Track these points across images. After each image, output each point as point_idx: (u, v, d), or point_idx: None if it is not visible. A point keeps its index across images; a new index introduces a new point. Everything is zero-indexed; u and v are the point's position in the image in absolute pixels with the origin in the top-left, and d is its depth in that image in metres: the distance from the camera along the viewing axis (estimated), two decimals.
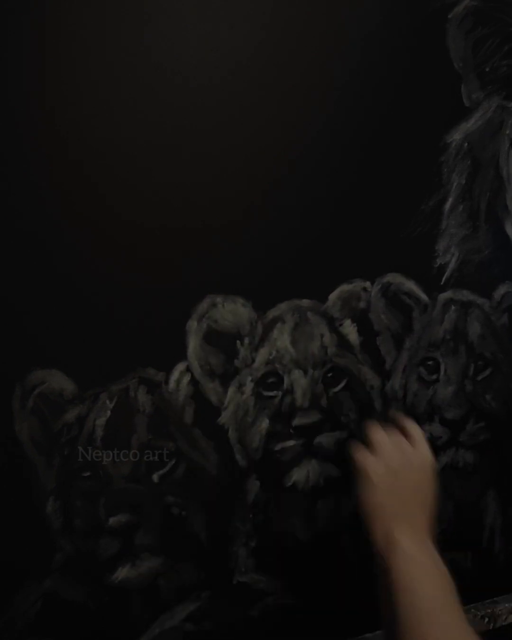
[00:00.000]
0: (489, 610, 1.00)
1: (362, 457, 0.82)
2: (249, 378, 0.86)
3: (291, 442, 0.87)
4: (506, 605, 1.01)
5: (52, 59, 0.74)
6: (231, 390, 0.85)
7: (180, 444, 0.83)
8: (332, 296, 0.89)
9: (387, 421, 0.88)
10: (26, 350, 0.76)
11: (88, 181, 0.77)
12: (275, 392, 0.87)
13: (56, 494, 0.78)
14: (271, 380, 0.87)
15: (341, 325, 0.90)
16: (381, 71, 0.88)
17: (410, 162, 0.92)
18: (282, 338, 0.87)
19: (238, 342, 0.85)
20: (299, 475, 0.88)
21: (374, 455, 0.81)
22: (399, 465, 0.80)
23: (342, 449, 0.89)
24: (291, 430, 0.87)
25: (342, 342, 0.90)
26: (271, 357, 0.87)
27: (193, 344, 0.83)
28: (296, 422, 0.87)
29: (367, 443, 0.84)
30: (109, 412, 0.80)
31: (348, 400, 0.90)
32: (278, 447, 0.87)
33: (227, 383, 0.85)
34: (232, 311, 0.84)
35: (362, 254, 0.91)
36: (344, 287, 0.90)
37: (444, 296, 0.96)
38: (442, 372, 0.96)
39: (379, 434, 0.84)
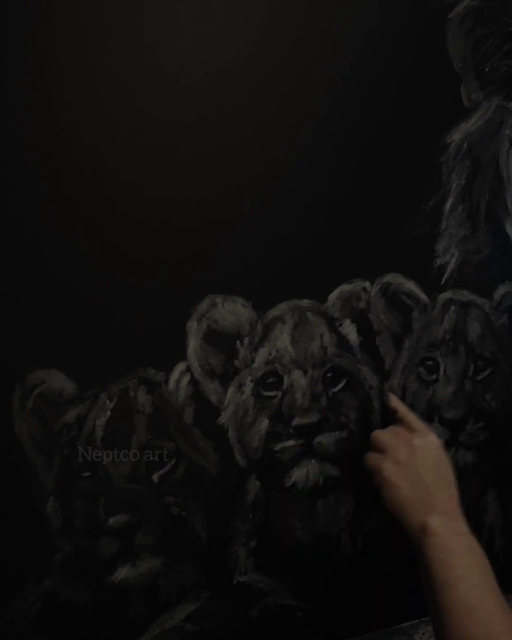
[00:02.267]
0: None
1: (371, 459, 0.85)
2: (249, 378, 0.86)
3: (290, 442, 0.87)
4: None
5: (51, 59, 0.74)
6: (231, 390, 0.85)
7: (180, 444, 0.83)
8: (332, 296, 0.89)
9: (385, 414, 0.90)
10: (26, 350, 0.76)
11: (88, 181, 0.77)
12: (275, 392, 0.87)
13: (56, 494, 0.78)
14: (270, 380, 0.87)
15: (340, 325, 0.90)
16: (380, 71, 0.88)
17: (410, 162, 0.92)
18: (282, 338, 0.87)
19: (238, 342, 0.85)
20: (299, 475, 0.88)
21: (382, 454, 0.84)
22: (408, 457, 0.82)
23: (342, 449, 0.89)
24: (291, 430, 0.87)
25: (342, 342, 0.90)
26: (270, 357, 0.87)
27: (193, 344, 0.83)
28: (296, 422, 0.87)
29: (371, 445, 0.87)
30: (109, 412, 0.80)
31: (348, 400, 0.90)
32: (278, 447, 0.87)
33: (227, 383, 0.85)
34: (232, 311, 0.84)
35: (362, 254, 0.91)
36: (344, 287, 0.90)
37: (443, 296, 0.96)
38: (441, 372, 0.96)
39: (379, 434, 0.87)
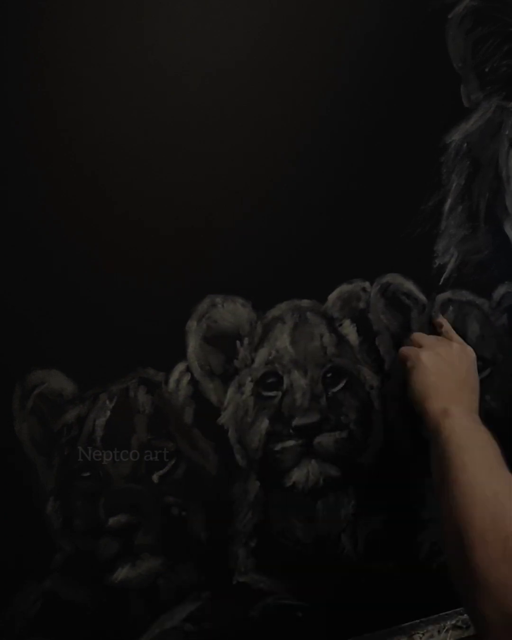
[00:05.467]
0: None
1: (410, 349, 0.89)
2: (249, 378, 0.86)
3: (290, 442, 0.87)
4: None
5: (52, 59, 0.74)
6: (231, 390, 0.85)
7: (180, 444, 0.83)
8: (332, 296, 0.90)
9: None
10: (26, 350, 0.76)
11: (88, 181, 0.77)
12: (275, 392, 0.87)
13: (56, 494, 0.78)
14: (270, 380, 0.87)
15: (340, 325, 0.90)
16: (380, 71, 0.88)
17: (410, 163, 0.92)
18: (281, 338, 0.87)
19: (238, 342, 0.85)
20: (299, 475, 0.88)
21: (420, 348, 0.88)
22: (446, 353, 0.87)
23: (342, 449, 0.89)
24: (291, 431, 0.87)
25: (342, 342, 0.90)
26: (270, 357, 0.87)
27: (193, 344, 0.83)
28: (296, 422, 0.87)
29: (410, 342, 0.91)
30: (109, 412, 0.80)
31: (348, 400, 0.90)
32: (278, 447, 0.87)
33: (226, 383, 0.85)
34: (232, 311, 0.84)
35: (361, 254, 0.91)
36: (344, 287, 0.90)
37: (442, 296, 0.96)
38: None
39: (420, 334, 0.92)
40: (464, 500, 0.70)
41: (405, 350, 0.89)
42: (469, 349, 0.90)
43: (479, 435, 0.78)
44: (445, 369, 0.85)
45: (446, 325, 0.94)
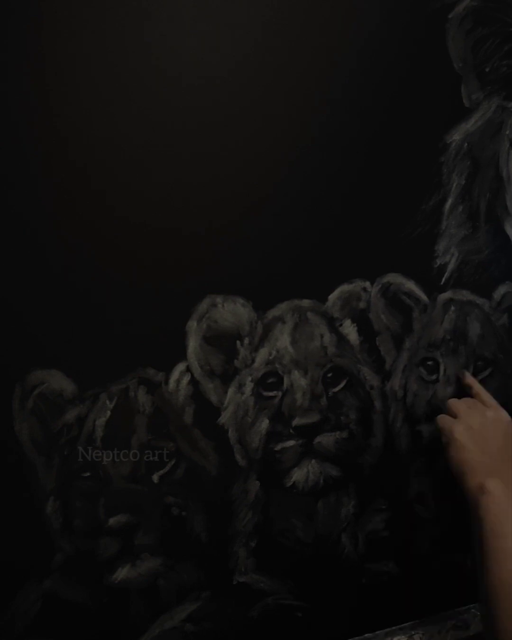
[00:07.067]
0: None
1: (444, 420, 0.90)
2: (249, 378, 0.86)
3: (290, 442, 0.87)
4: None
5: (52, 59, 0.74)
6: (231, 390, 0.85)
7: (181, 444, 0.83)
8: (332, 296, 0.89)
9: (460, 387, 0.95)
10: (26, 350, 0.76)
11: (88, 181, 0.77)
12: (275, 392, 0.87)
13: (56, 494, 0.78)
14: (270, 380, 0.87)
15: (340, 325, 0.90)
16: (380, 71, 0.88)
17: (410, 163, 0.92)
18: (282, 338, 0.87)
19: (238, 342, 0.85)
20: (299, 475, 0.88)
21: (455, 419, 0.89)
22: (480, 425, 0.87)
23: (343, 449, 0.89)
24: (291, 431, 0.87)
25: (342, 342, 0.90)
26: (270, 357, 0.86)
27: (193, 344, 0.83)
28: (296, 422, 0.87)
29: (447, 411, 0.91)
30: (109, 412, 0.80)
31: (348, 400, 0.90)
32: (278, 447, 0.87)
33: (227, 383, 0.85)
34: (232, 311, 0.84)
35: (362, 254, 0.91)
36: (344, 287, 0.90)
37: (443, 296, 0.96)
38: (441, 373, 0.96)
39: (455, 401, 0.92)
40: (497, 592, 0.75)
41: (441, 421, 0.90)
42: (504, 414, 0.90)
43: None
44: (480, 441, 0.86)
45: (476, 387, 0.94)
